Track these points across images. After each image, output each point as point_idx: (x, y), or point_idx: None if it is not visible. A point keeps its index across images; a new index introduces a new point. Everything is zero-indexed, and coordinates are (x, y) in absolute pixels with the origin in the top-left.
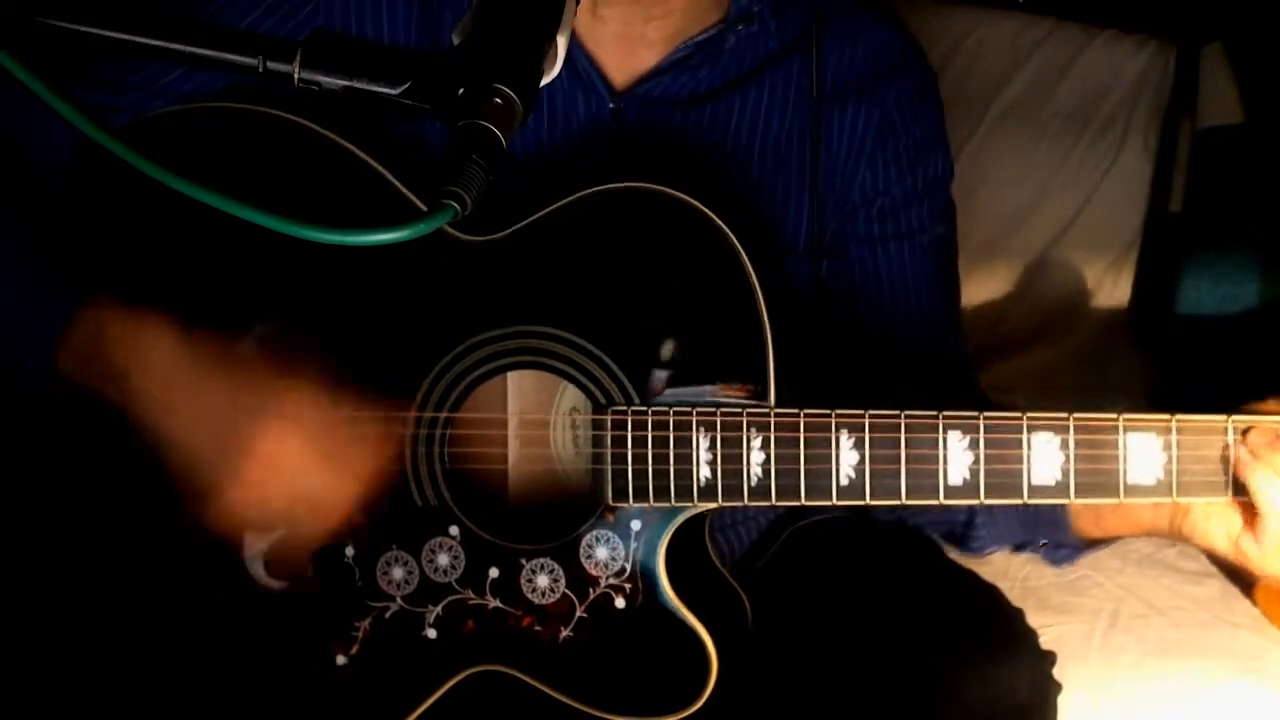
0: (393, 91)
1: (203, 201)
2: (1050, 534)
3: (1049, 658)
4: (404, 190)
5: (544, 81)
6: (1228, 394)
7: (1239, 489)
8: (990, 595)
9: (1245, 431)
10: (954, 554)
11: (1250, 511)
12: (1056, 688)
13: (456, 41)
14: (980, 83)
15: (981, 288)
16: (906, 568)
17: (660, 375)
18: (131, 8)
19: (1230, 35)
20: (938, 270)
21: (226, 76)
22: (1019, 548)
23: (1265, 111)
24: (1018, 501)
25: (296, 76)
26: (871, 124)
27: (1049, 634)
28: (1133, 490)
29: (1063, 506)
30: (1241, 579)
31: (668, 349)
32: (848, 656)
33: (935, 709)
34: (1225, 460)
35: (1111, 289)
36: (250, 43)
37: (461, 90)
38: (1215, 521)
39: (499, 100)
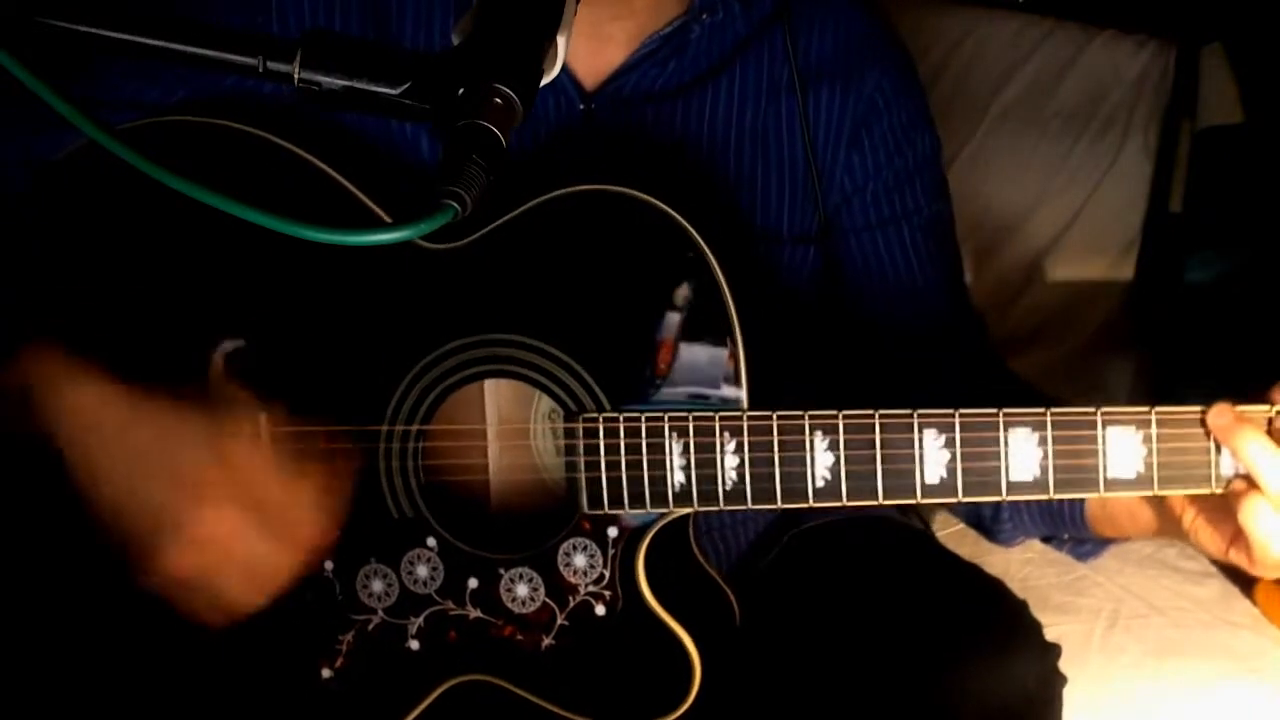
0: (393, 91)
1: (201, 203)
2: (1071, 530)
3: (1054, 650)
4: (367, 202)
5: (544, 81)
6: (1228, 392)
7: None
8: (996, 588)
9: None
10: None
11: (1234, 522)
12: (1062, 680)
13: (456, 41)
14: (980, 83)
15: (981, 288)
16: (911, 562)
17: (631, 380)
18: (122, 8)
19: (1230, 35)
20: (940, 248)
21: (185, 88)
22: (1047, 540)
23: (1265, 111)
24: (996, 499)
25: (297, 76)
26: (849, 109)
27: (1049, 634)
28: (1113, 484)
29: (1081, 506)
30: (1242, 579)
31: (638, 354)
32: (856, 650)
33: (944, 700)
34: (1207, 452)
35: (1111, 289)
36: (250, 43)
37: (461, 90)
38: (1204, 530)
39: (499, 100)
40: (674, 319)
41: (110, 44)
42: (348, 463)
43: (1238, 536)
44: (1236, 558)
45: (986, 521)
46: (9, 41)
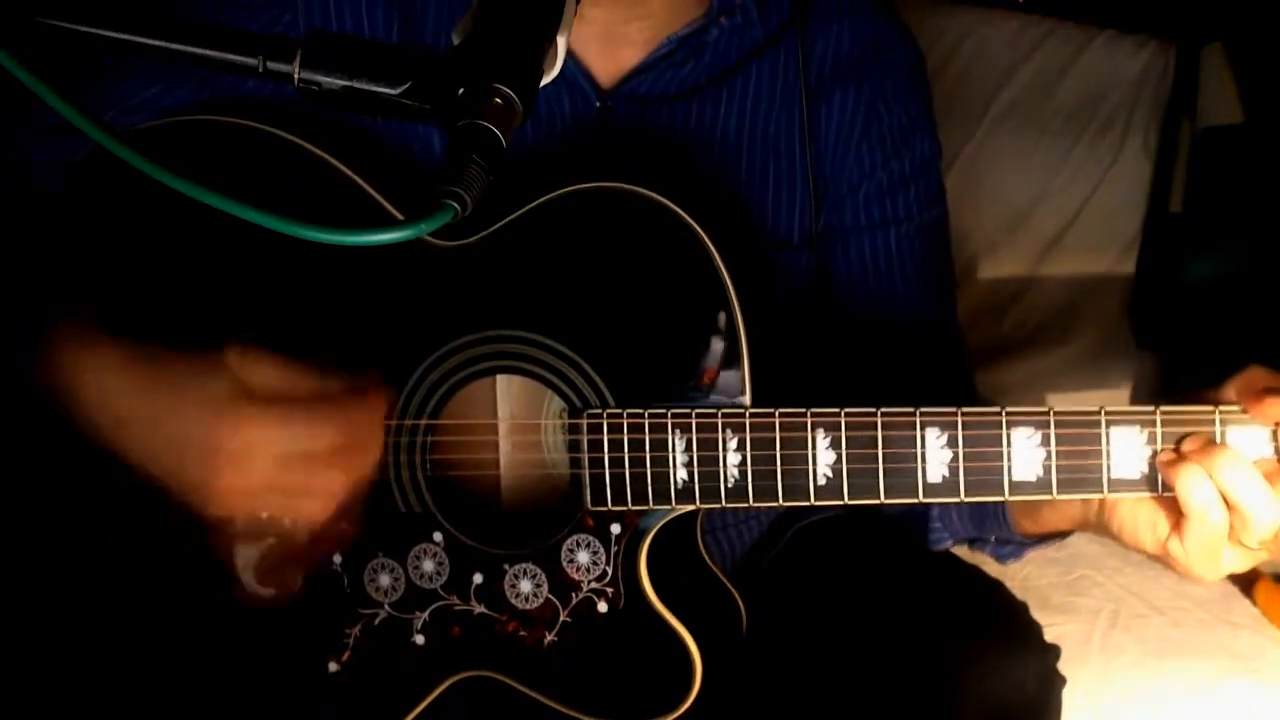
0: (393, 91)
1: (203, 203)
2: (995, 530)
3: (1054, 651)
4: (381, 201)
5: (544, 82)
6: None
7: (1166, 487)
8: (996, 589)
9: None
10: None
11: (1176, 513)
12: (1061, 681)
13: (456, 41)
14: (980, 83)
15: (981, 288)
16: (912, 563)
17: (635, 378)
18: (125, 9)
19: (1230, 35)
20: (928, 257)
21: (205, 91)
22: (972, 543)
23: (1265, 111)
24: (998, 499)
25: (296, 76)
26: (860, 110)
27: (1049, 634)
28: (1117, 485)
29: (1004, 503)
30: (1242, 579)
31: (642, 351)
32: (857, 651)
33: (944, 701)
34: None
35: (1111, 289)
36: (250, 43)
37: (461, 90)
38: (1144, 522)
39: (499, 100)
40: (719, 346)
41: (110, 44)
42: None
43: (1175, 531)
44: (1174, 549)
45: (913, 522)
46: (10, 42)
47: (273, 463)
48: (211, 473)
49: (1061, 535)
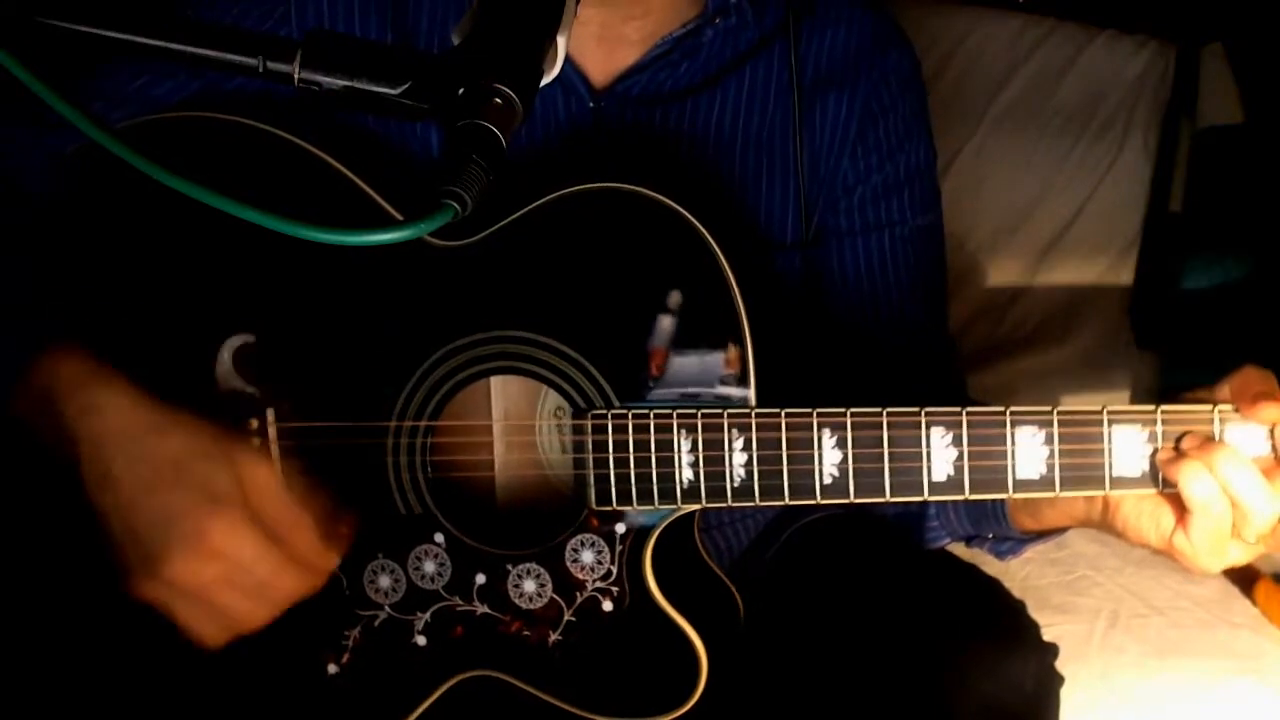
0: (393, 91)
1: (202, 202)
2: (994, 527)
3: (1052, 650)
4: (379, 200)
5: (544, 82)
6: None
7: (1167, 483)
8: (993, 589)
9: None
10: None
11: (1180, 508)
12: (1059, 680)
13: (456, 41)
14: (980, 83)
15: (981, 288)
16: (910, 562)
17: (639, 378)
18: (124, 8)
19: (1230, 35)
20: (921, 261)
21: (197, 82)
22: (968, 541)
23: (1265, 111)
24: (1002, 496)
25: (296, 76)
26: (854, 113)
27: (1049, 634)
28: (1118, 483)
29: (1002, 500)
30: (1242, 579)
31: (644, 350)
32: (855, 651)
33: (942, 699)
34: None
35: (1111, 289)
36: (250, 42)
37: (461, 90)
38: (1147, 518)
39: (499, 100)
40: (666, 322)
41: (110, 44)
42: (356, 458)
43: (1180, 526)
44: (1180, 544)
45: (912, 520)
46: (9, 42)
47: (234, 570)
48: (180, 556)
49: (1060, 531)
